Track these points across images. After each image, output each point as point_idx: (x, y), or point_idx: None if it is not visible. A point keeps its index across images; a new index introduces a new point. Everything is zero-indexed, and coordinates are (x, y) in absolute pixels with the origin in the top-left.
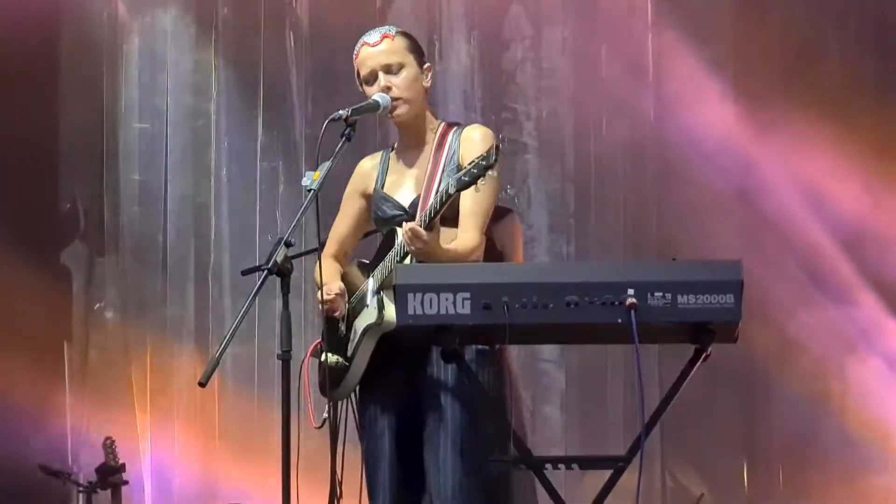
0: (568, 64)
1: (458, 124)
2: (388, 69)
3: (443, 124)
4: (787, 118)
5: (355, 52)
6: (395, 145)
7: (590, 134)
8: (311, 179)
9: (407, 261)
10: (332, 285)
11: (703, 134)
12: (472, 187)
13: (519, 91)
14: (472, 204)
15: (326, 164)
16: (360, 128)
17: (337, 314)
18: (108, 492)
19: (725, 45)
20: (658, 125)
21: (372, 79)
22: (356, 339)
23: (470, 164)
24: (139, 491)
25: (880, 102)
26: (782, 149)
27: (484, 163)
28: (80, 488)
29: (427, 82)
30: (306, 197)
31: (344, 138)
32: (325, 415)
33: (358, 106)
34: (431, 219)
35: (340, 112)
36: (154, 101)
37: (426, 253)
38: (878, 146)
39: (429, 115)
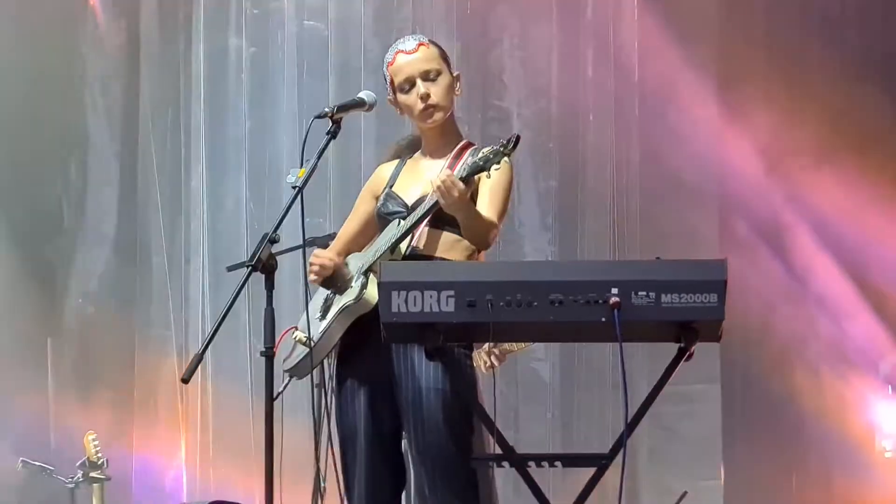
0: (554, 63)
1: (478, 146)
2: (427, 76)
3: (464, 141)
4: (772, 117)
5: (389, 60)
6: (418, 153)
7: (575, 133)
8: (295, 177)
9: (403, 246)
10: (329, 252)
11: (688, 133)
12: (484, 173)
13: (505, 90)
14: (490, 193)
15: (311, 162)
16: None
17: (314, 279)
18: (91, 487)
19: (710, 45)
20: (643, 124)
21: (408, 86)
22: (331, 317)
23: (486, 149)
24: (123, 487)
25: (864, 99)
26: (767, 148)
27: (501, 149)
28: (63, 484)
29: (458, 91)
30: (292, 194)
31: (329, 135)
32: (282, 389)
33: (343, 103)
34: (467, 176)
35: (326, 109)
36: None
37: (455, 206)
38: (861, 143)
39: (453, 127)
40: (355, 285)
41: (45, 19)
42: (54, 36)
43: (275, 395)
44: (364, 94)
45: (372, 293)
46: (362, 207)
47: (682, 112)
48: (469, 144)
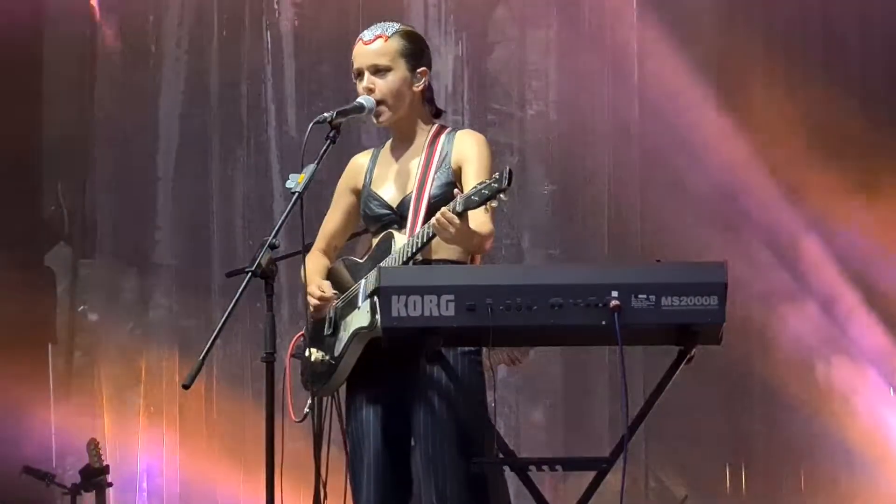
0: (553, 65)
1: (451, 128)
2: (375, 70)
3: (435, 126)
4: (772, 117)
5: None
6: (388, 142)
7: (574, 135)
8: (295, 182)
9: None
10: (325, 285)
11: (686, 135)
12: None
13: (504, 92)
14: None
15: (311, 167)
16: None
17: (318, 315)
18: (93, 494)
19: (710, 46)
20: (642, 127)
21: (357, 77)
22: (346, 341)
23: (481, 184)
24: (125, 493)
25: (864, 100)
26: (768, 149)
27: (496, 185)
28: (65, 490)
29: (418, 86)
30: (291, 199)
31: (328, 141)
32: (307, 409)
33: (343, 108)
34: (463, 211)
35: (325, 115)
36: None
37: (454, 240)
38: (862, 143)
39: (421, 118)
40: (363, 306)
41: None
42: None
43: (300, 417)
44: (364, 100)
45: None
46: (342, 202)
47: (682, 113)
48: (441, 129)
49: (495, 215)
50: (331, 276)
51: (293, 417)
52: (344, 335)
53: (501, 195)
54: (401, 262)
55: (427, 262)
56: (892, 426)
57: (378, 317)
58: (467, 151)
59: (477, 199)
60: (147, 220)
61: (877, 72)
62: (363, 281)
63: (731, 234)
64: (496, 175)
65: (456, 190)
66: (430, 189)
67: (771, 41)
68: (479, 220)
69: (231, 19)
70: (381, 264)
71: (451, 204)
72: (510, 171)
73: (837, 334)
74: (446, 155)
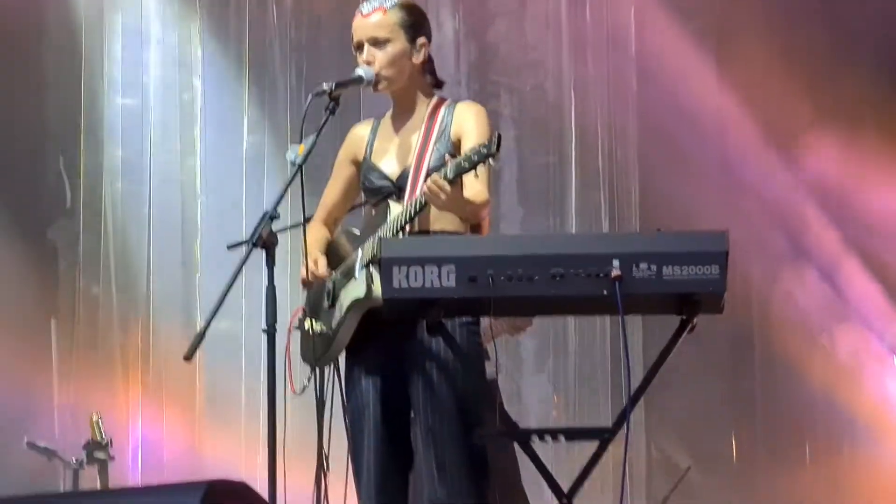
0: (552, 37)
1: (452, 100)
2: (375, 42)
3: (436, 98)
4: (772, 87)
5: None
6: (389, 113)
7: (573, 106)
8: (295, 153)
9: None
10: (321, 262)
11: (685, 105)
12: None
13: (503, 65)
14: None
15: (311, 138)
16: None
17: (308, 289)
18: (95, 468)
19: (709, 16)
20: (640, 97)
21: (357, 49)
22: (342, 312)
23: (470, 150)
24: (126, 466)
25: (861, 68)
26: (767, 119)
27: (485, 151)
28: (67, 465)
29: (418, 58)
30: (291, 171)
31: (328, 112)
32: (306, 382)
33: (342, 80)
34: (453, 178)
35: (324, 86)
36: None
37: (445, 207)
38: (861, 112)
39: (422, 90)
40: (359, 277)
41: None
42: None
43: (301, 389)
44: (362, 71)
45: (379, 289)
46: (342, 173)
47: (681, 84)
48: (442, 101)
49: (492, 185)
50: (332, 247)
51: (293, 389)
52: (341, 307)
53: (491, 160)
54: (394, 232)
55: (425, 232)
56: None
57: (374, 287)
58: (467, 123)
59: (467, 164)
60: (147, 193)
61: (877, 41)
62: (360, 251)
63: (732, 204)
64: (485, 141)
65: (447, 156)
66: (429, 161)
67: (771, 9)
68: (475, 189)
69: None
70: (377, 234)
71: (442, 171)
72: (499, 135)
73: (840, 303)
74: (446, 127)
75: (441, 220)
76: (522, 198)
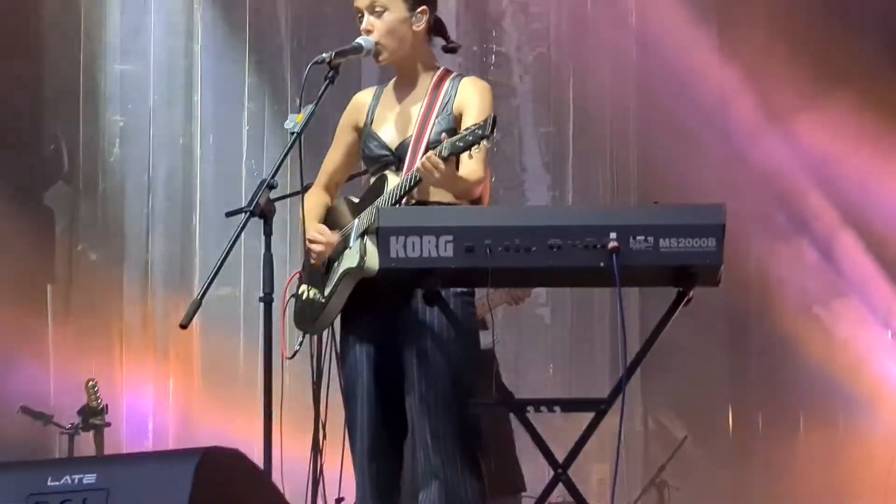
0: (553, 8)
1: (458, 73)
2: (372, 10)
3: (441, 69)
4: (773, 62)
5: None
6: (392, 81)
7: (574, 78)
8: (294, 122)
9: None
10: (324, 230)
11: (685, 77)
12: (466, 153)
13: (505, 35)
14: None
15: (310, 107)
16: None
17: (314, 261)
18: (91, 434)
19: None
20: (641, 70)
21: (357, 16)
22: (335, 280)
23: (466, 130)
24: (122, 433)
25: (860, 46)
26: (767, 93)
27: (480, 132)
28: (63, 430)
29: (419, 26)
30: (290, 139)
31: (327, 81)
32: (297, 346)
33: (341, 49)
34: (449, 156)
35: (324, 55)
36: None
37: (439, 184)
38: (860, 86)
39: (424, 59)
40: (353, 247)
41: None
42: None
43: (291, 353)
44: (362, 41)
45: (373, 260)
46: (344, 139)
47: (681, 56)
48: (447, 73)
49: (488, 163)
50: (331, 213)
51: (285, 354)
52: (334, 275)
53: (485, 142)
54: (390, 205)
55: (423, 203)
56: (890, 368)
57: (367, 258)
58: (469, 99)
59: (461, 144)
60: (146, 159)
61: (879, 18)
62: (356, 221)
63: (731, 177)
64: (480, 122)
65: (444, 135)
66: (430, 134)
67: None
68: (470, 167)
69: None
70: (375, 204)
71: (438, 148)
72: (494, 118)
73: (837, 277)
74: (449, 100)
75: (440, 192)
76: (525, 168)
